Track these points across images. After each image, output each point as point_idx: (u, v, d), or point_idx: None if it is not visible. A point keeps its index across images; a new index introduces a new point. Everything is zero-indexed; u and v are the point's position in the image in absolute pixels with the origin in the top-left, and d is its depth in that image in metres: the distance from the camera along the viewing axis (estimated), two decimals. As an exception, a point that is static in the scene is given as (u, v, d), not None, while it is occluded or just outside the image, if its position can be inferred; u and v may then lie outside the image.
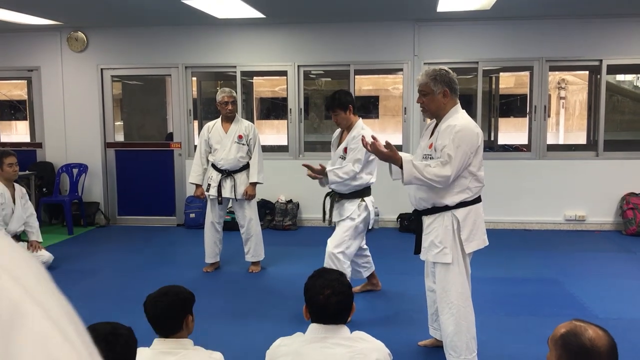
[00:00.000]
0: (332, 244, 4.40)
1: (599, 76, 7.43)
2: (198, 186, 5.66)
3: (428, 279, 3.67)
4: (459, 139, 3.15)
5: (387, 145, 3.22)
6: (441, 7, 6.34)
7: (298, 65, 7.60)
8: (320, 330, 2.25)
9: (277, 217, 7.46)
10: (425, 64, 7.33)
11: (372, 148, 3.27)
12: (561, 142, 13.87)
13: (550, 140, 7.92)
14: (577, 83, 14.41)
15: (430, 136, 3.38)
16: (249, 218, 5.61)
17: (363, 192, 4.43)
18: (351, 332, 2.29)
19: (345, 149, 4.39)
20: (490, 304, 4.63)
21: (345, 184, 4.36)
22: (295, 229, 7.47)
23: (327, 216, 4.55)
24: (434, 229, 3.29)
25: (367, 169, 4.38)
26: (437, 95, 3.27)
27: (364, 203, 4.40)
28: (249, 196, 5.53)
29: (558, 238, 6.93)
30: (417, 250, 3.46)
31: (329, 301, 2.19)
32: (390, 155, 3.22)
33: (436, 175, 3.13)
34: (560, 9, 6.75)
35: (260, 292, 5.09)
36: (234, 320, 4.41)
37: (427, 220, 3.34)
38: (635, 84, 11.82)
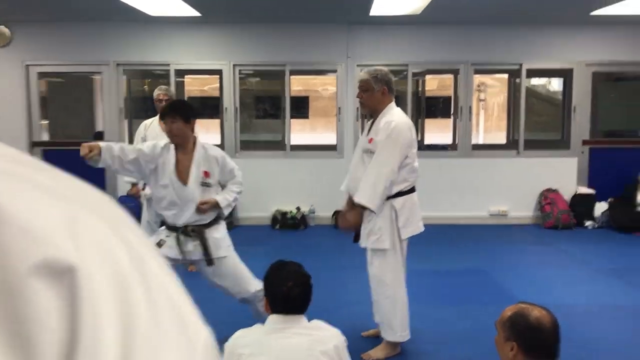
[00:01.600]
0: (247, 286, 3.67)
1: (518, 79, 7.90)
2: (133, 185, 5.58)
3: (368, 266, 3.81)
4: (396, 133, 3.44)
5: (349, 203, 3.58)
6: (374, 11, 6.55)
7: (233, 65, 7.62)
8: (279, 320, 2.33)
9: (213, 217, 7.44)
10: (358, 65, 7.54)
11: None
12: (481, 142, 14.53)
13: (472, 140, 8.33)
14: (495, 86, 15.16)
15: (369, 131, 3.62)
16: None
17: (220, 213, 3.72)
18: (309, 321, 2.39)
19: (206, 173, 3.52)
20: (425, 295, 4.86)
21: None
22: (232, 228, 7.39)
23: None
24: (372, 217, 3.52)
25: None
26: (376, 92, 3.54)
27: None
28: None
29: (483, 232, 7.33)
30: (356, 238, 3.67)
31: (292, 292, 2.29)
32: (356, 220, 3.55)
33: (377, 175, 3.41)
34: (484, 15, 7.13)
35: (204, 292, 5.07)
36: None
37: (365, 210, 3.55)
38: (547, 88, 12.60)
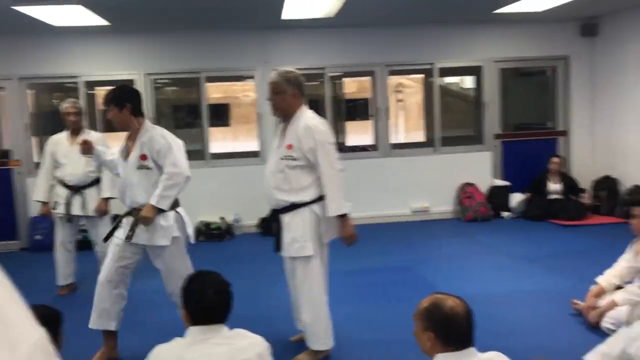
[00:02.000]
0: (179, 278, 3.42)
1: (432, 79, 8.14)
2: (44, 204, 5.31)
3: (288, 275, 3.77)
4: (323, 135, 3.40)
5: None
6: (285, 15, 6.55)
7: (146, 74, 7.41)
8: (200, 332, 2.26)
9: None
10: (274, 70, 7.49)
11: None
12: (402, 141, 14.88)
13: (392, 140, 8.51)
14: (412, 86, 15.55)
15: (282, 137, 3.51)
16: (102, 236, 5.35)
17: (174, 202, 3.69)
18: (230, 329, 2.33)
19: (143, 156, 3.55)
20: (350, 294, 4.89)
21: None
22: (154, 242, 7.24)
23: (117, 233, 3.73)
24: (294, 224, 3.44)
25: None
26: (288, 95, 3.45)
27: (178, 215, 3.73)
28: (100, 212, 5.28)
29: (406, 228, 7.48)
30: (278, 248, 3.58)
31: (212, 301, 2.22)
32: (352, 229, 3.48)
33: (338, 176, 3.42)
34: (396, 17, 7.30)
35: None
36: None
37: (286, 217, 3.47)
38: (460, 85, 13.06)
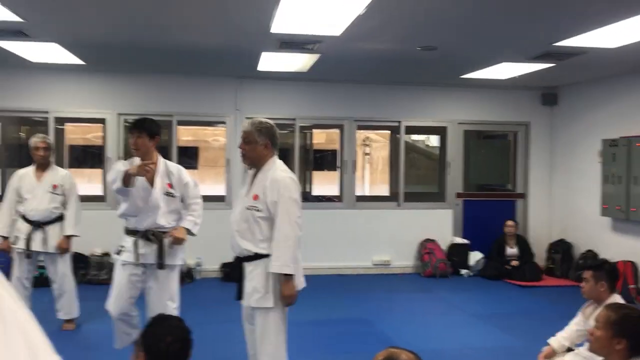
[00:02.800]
0: (168, 300, 4.05)
1: (398, 135, 8.39)
2: (5, 238, 5.22)
3: (246, 322, 3.72)
4: (290, 190, 3.36)
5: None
6: (261, 67, 6.74)
7: (118, 114, 7.46)
8: (157, 377, 2.27)
9: (92, 271, 7.10)
10: (247, 118, 7.65)
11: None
12: (367, 193, 15.10)
13: (358, 192, 8.66)
14: (379, 141, 15.92)
15: (250, 185, 3.50)
16: (61, 273, 5.28)
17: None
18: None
19: (170, 185, 4.06)
20: (309, 345, 4.90)
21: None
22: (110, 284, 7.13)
23: (125, 256, 4.06)
24: (257, 275, 3.40)
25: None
26: (259, 145, 3.42)
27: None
28: (62, 250, 5.22)
29: (368, 281, 7.55)
30: (239, 296, 3.55)
31: (172, 348, 2.22)
32: (293, 289, 3.36)
33: (294, 234, 3.32)
34: (367, 75, 7.57)
35: (78, 350, 4.80)
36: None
37: (249, 267, 3.43)
38: (426, 143, 13.44)
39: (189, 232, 4.09)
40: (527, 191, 8.65)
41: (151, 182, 4.00)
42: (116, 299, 4.06)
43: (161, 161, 4.08)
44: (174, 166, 4.16)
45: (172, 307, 4.05)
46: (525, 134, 8.63)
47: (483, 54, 6.10)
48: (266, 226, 3.39)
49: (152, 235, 3.99)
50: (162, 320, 2.39)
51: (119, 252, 4.09)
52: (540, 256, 8.15)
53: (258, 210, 3.37)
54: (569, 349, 4.16)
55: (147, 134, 3.98)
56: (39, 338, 0.50)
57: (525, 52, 5.91)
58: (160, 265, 4.00)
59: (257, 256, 3.41)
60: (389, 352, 2.11)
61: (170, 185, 4.06)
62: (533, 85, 8.26)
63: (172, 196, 4.07)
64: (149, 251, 3.97)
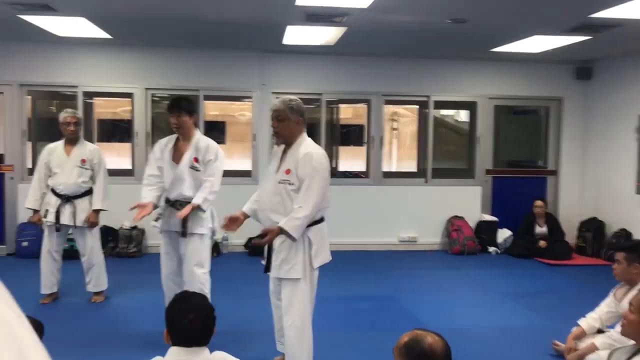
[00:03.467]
0: (195, 266, 4.29)
1: (427, 110, 8.25)
2: (35, 212, 5.31)
3: (273, 296, 3.82)
4: (320, 164, 3.47)
5: (267, 231, 3.43)
6: (287, 40, 6.66)
7: (145, 88, 7.48)
8: (180, 353, 2.28)
9: (121, 244, 7.20)
10: (272, 93, 7.62)
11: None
12: (394, 169, 14.98)
13: (384, 168, 8.59)
14: (407, 116, 15.70)
15: (280, 161, 3.59)
16: (90, 246, 5.36)
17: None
18: (211, 352, 2.35)
19: (195, 159, 4.30)
20: (335, 321, 4.91)
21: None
22: (141, 256, 7.25)
23: (157, 223, 4.45)
24: (285, 247, 3.48)
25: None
26: (291, 122, 3.54)
27: (211, 211, 4.46)
28: (91, 224, 5.29)
29: (394, 258, 7.52)
30: (267, 268, 3.62)
31: (193, 324, 2.24)
32: (273, 236, 3.41)
33: (309, 213, 3.39)
34: (394, 49, 7.43)
35: (106, 322, 4.89)
36: (80, 351, 4.20)
37: (278, 239, 3.49)
38: (455, 118, 13.22)
39: (199, 207, 4.22)
40: (558, 168, 8.45)
41: (180, 158, 4.32)
42: (163, 261, 4.48)
43: (196, 137, 4.35)
44: (204, 142, 4.35)
45: (201, 272, 4.32)
46: (558, 109, 8.41)
47: (515, 26, 5.91)
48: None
49: (180, 205, 4.26)
50: (185, 297, 2.40)
51: (156, 219, 4.44)
52: (571, 234, 7.98)
53: (290, 184, 3.49)
54: (599, 331, 4.08)
55: (186, 112, 4.30)
56: (31, 343, 0.48)
57: (560, 25, 5.71)
58: (183, 233, 4.26)
59: None
60: (414, 334, 2.08)
61: (196, 160, 4.31)
62: (566, 59, 8.01)
63: (197, 170, 4.30)
64: (175, 220, 4.23)
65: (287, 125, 3.54)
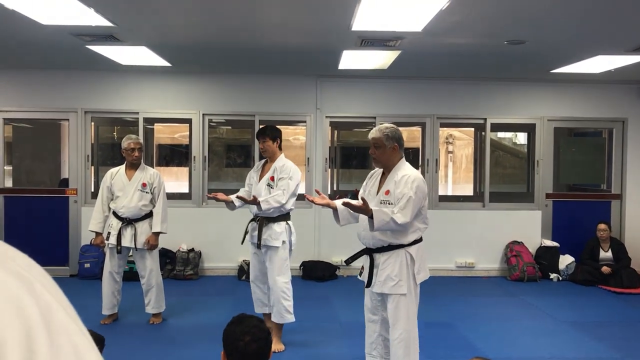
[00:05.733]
0: (277, 275, 4.77)
1: (483, 133, 8.10)
2: (98, 234, 5.48)
3: (368, 312, 3.99)
4: (416, 188, 3.64)
5: (363, 200, 3.59)
6: (342, 65, 6.71)
7: (203, 114, 7.66)
8: (237, 376, 2.28)
9: (178, 267, 7.33)
10: (327, 117, 7.67)
11: (346, 204, 3.70)
12: (450, 193, 14.74)
13: (440, 192, 8.45)
14: (463, 138, 15.48)
15: (380, 184, 3.84)
16: (149, 269, 5.48)
17: (286, 216, 4.89)
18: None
19: (272, 178, 4.83)
20: (391, 348, 4.81)
21: (276, 209, 4.76)
22: (197, 279, 7.36)
23: (247, 237, 5.00)
24: (389, 264, 3.70)
25: (292, 198, 4.86)
26: (388, 149, 3.77)
27: (288, 226, 4.87)
28: (150, 246, 5.42)
29: (450, 283, 7.34)
30: (369, 284, 3.81)
31: (249, 348, 2.24)
32: (364, 208, 3.57)
33: (402, 222, 3.56)
34: (449, 71, 7.36)
35: (164, 343, 4.97)
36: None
37: (381, 257, 3.73)
38: (513, 141, 12.94)
39: (258, 204, 4.65)
40: (623, 191, 8.11)
41: (262, 176, 4.96)
42: (252, 268, 5.11)
43: (278, 159, 4.90)
44: (281, 163, 4.88)
45: (282, 282, 4.77)
46: (622, 131, 8.10)
47: (577, 46, 5.76)
48: None
49: (259, 220, 4.83)
50: (242, 319, 2.40)
51: (246, 232, 5.02)
52: (637, 262, 7.61)
53: (390, 204, 3.67)
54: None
55: (270, 138, 4.88)
56: (91, 352, 0.49)
57: (624, 44, 5.52)
58: (258, 245, 4.82)
59: (390, 247, 3.73)
60: (475, 363, 2.01)
61: (272, 179, 4.86)
62: (630, 79, 7.72)
63: (271, 187, 4.83)
64: (254, 233, 4.86)
65: (383, 152, 3.77)
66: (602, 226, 7.51)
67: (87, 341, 0.50)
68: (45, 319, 0.47)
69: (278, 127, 5.08)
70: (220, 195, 4.84)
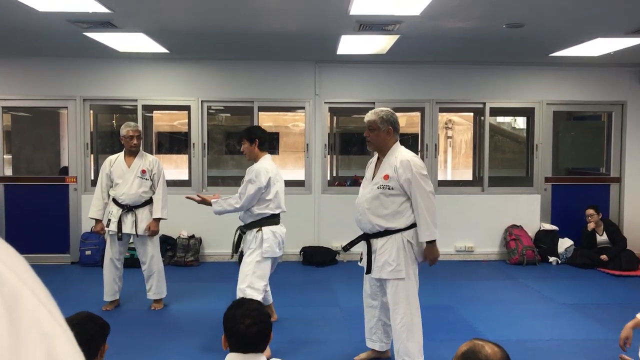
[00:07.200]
0: (239, 279, 4.53)
1: (482, 117, 8.10)
2: (98, 221, 5.50)
3: (367, 297, 4.04)
4: (419, 167, 3.70)
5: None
6: (341, 50, 6.68)
7: (202, 101, 7.65)
8: (237, 358, 2.30)
9: (179, 253, 7.36)
10: (326, 102, 7.66)
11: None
12: (449, 178, 14.76)
13: (439, 177, 8.46)
14: (462, 123, 15.47)
15: (376, 168, 3.84)
16: (150, 255, 5.50)
17: (261, 222, 4.53)
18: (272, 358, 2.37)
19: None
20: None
21: (247, 214, 4.57)
22: (198, 265, 7.39)
23: (233, 250, 4.83)
24: (387, 249, 3.72)
25: (263, 203, 4.52)
26: (382, 131, 3.77)
27: (260, 233, 4.49)
28: (151, 232, 5.44)
29: (450, 267, 7.37)
30: (369, 270, 3.84)
31: (249, 330, 2.26)
32: (438, 252, 3.83)
33: (432, 206, 3.69)
34: (448, 56, 7.34)
35: (165, 328, 5.00)
36: (141, 354, 4.31)
37: (379, 242, 3.76)
38: (512, 125, 12.93)
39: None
40: (622, 175, 8.12)
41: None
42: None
43: (260, 160, 4.61)
44: (252, 166, 4.63)
45: (240, 285, 4.47)
46: (621, 114, 8.09)
47: (576, 29, 5.73)
48: (397, 203, 3.73)
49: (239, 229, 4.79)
50: (242, 302, 2.42)
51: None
52: (636, 244, 7.64)
53: (390, 189, 3.71)
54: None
55: (247, 139, 4.63)
56: (62, 340, 0.46)
57: (624, 26, 5.50)
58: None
59: (387, 232, 3.74)
60: (473, 344, 2.02)
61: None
62: (629, 62, 7.70)
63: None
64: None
65: (378, 135, 3.78)
66: (589, 211, 7.51)
67: (60, 329, 0.47)
68: (8, 306, 0.44)
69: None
70: (197, 197, 4.71)
